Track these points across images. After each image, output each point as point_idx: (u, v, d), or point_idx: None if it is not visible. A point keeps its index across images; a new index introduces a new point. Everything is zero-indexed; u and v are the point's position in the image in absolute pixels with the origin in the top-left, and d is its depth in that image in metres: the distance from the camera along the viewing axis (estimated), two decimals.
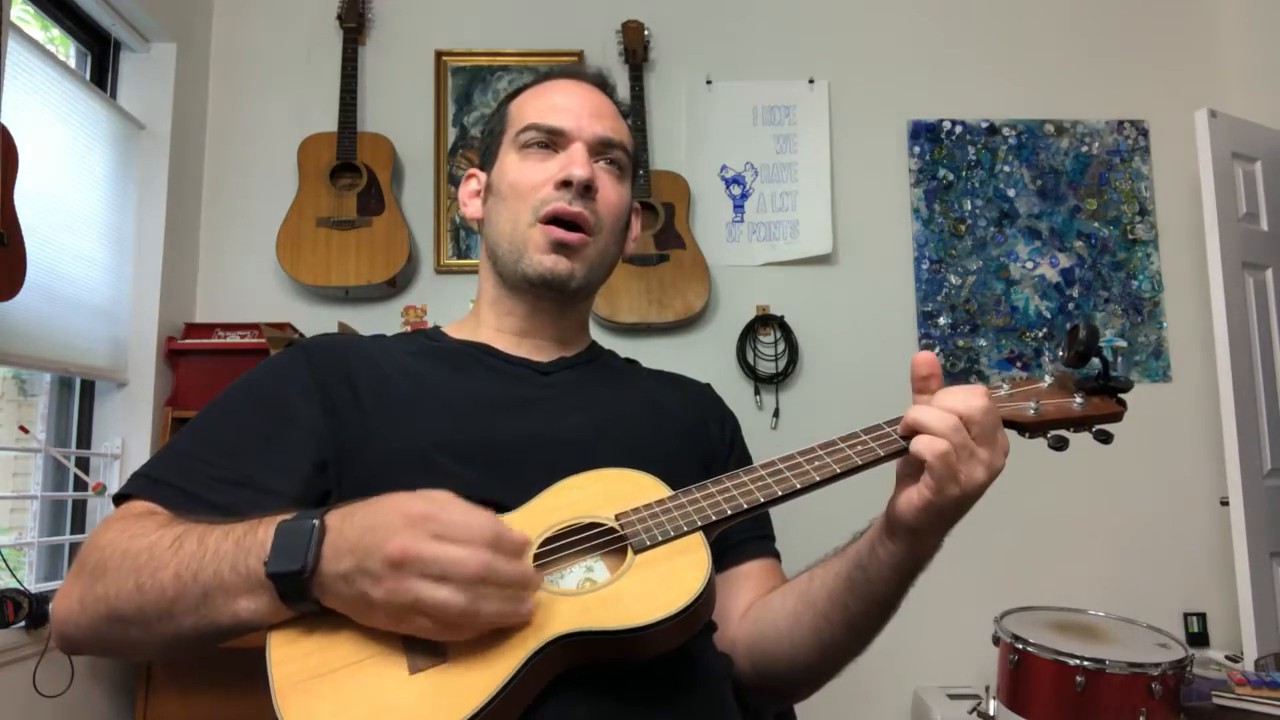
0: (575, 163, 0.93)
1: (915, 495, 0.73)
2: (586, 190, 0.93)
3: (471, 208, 1.03)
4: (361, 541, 0.63)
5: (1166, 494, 2.60)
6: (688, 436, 0.97)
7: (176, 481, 0.80)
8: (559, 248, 0.93)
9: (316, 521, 0.66)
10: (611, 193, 0.97)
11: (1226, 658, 2.25)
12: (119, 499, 0.81)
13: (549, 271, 0.93)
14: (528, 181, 0.94)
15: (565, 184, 0.92)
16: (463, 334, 1.01)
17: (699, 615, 0.69)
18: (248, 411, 0.87)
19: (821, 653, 0.85)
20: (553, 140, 0.95)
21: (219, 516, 0.73)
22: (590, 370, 1.01)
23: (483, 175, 1.02)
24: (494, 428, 0.87)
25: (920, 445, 0.72)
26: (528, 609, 0.65)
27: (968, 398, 0.72)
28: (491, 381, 0.93)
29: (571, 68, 1.06)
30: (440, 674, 0.64)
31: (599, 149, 0.96)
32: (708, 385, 1.10)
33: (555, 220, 0.93)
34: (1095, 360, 0.79)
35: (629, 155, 1.01)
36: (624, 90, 2.60)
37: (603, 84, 1.03)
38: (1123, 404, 0.80)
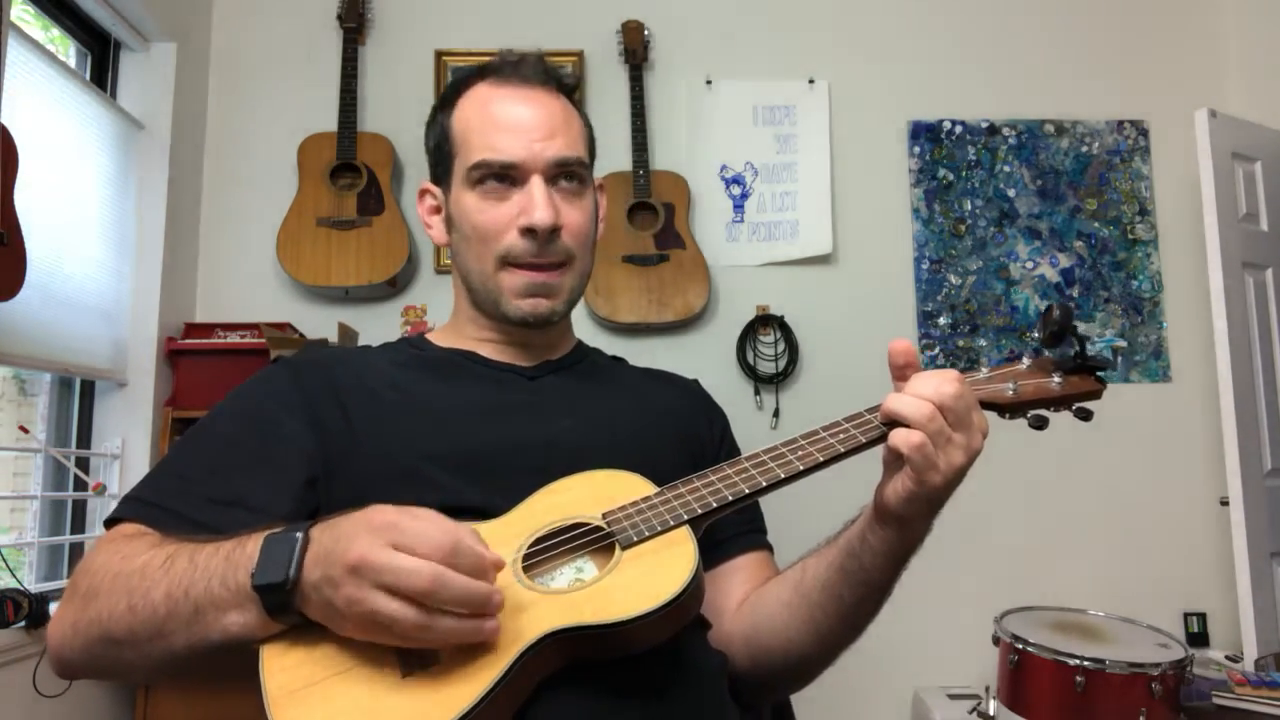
0: (537, 205, 0.89)
1: (900, 486, 0.74)
2: (552, 232, 0.90)
3: (436, 230, 1.00)
4: (332, 550, 0.63)
5: (1166, 494, 2.60)
6: (677, 435, 0.97)
7: (167, 503, 0.80)
8: (535, 291, 0.92)
9: (301, 534, 0.66)
10: (577, 216, 0.93)
11: (1226, 658, 2.25)
12: (110, 522, 0.81)
13: (530, 315, 0.93)
14: (490, 225, 0.91)
15: (529, 230, 0.90)
16: (448, 341, 1.00)
17: (687, 607, 0.70)
18: (235, 431, 0.87)
19: (817, 642, 0.85)
20: (507, 174, 0.91)
21: (209, 536, 0.73)
22: (577, 372, 1.01)
23: (438, 192, 0.99)
24: (482, 436, 0.87)
25: (897, 439, 0.73)
26: (489, 628, 0.63)
27: (940, 384, 0.73)
28: (478, 389, 0.93)
29: (506, 66, 0.95)
30: (432, 676, 0.64)
31: (555, 171, 0.92)
32: (695, 381, 1.10)
33: (525, 263, 0.91)
34: (1074, 340, 0.79)
35: (587, 162, 0.96)
36: (624, 90, 2.60)
37: (544, 77, 0.95)
38: (1102, 381, 0.81)
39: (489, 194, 0.92)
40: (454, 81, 0.99)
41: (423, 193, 1.01)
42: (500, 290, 0.93)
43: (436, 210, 1.00)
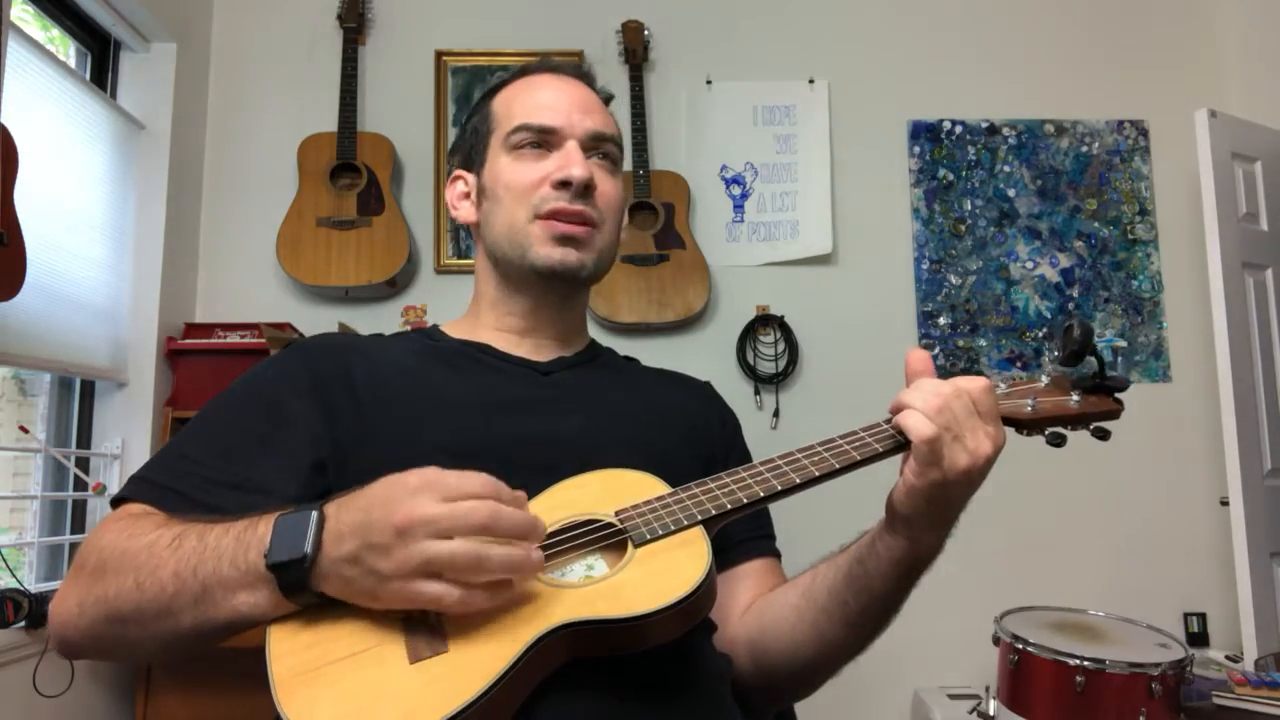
0: (573, 162, 0.92)
1: (901, 482, 0.75)
2: (586, 189, 0.92)
3: (463, 211, 1.01)
4: (365, 520, 0.64)
5: (1166, 494, 2.60)
6: (688, 436, 0.97)
7: (173, 484, 0.80)
8: (565, 240, 0.93)
9: (315, 512, 0.67)
10: (609, 187, 0.96)
11: (1226, 658, 2.25)
12: (116, 502, 0.81)
13: (559, 264, 0.92)
14: (523, 181, 0.93)
15: (564, 184, 0.92)
16: (461, 333, 1.01)
17: (699, 605, 0.70)
18: (245, 413, 0.87)
19: (821, 650, 0.85)
20: (545, 139, 0.94)
21: (216, 517, 0.72)
22: (590, 369, 1.01)
23: (470, 177, 1.01)
24: (494, 428, 0.87)
25: (901, 418, 0.73)
26: (537, 557, 0.65)
27: (942, 384, 0.74)
28: (491, 381, 0.93)
29: (550, 62, 1.02)
30: (441, 663, 0.64)
31: (592, 144, 0.95)
32: (707, 383, 1.10)
33: (556, 216, 0.92)
34: (1093, 360, 0.79)
35: (620, 147, 1.00)
36: (624, 90, 2.60)
37: (583, 76, 1.01)
38: (1119, 402, 0.81)
39: (525, 155, 0.94)
40: (501, 79, 1.03)
41: (455, 179, 1.03)
42: (531, 240, 0.93)
43: (466, 195, 1.02)
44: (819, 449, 0.78)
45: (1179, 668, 1.55)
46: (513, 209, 0.94)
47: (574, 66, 1.02)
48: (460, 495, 0.63)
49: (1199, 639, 2.49)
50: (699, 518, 0.74)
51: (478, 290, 1.03)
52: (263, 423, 0.85)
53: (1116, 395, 0.81)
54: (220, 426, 0.86)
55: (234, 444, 0.84)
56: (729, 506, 0.75)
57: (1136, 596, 2.42)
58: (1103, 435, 0.81)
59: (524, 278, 0.95)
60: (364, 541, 0.63)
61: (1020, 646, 1.62)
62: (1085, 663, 1.54)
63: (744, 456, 1.02)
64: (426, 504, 0.62)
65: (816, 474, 0.76)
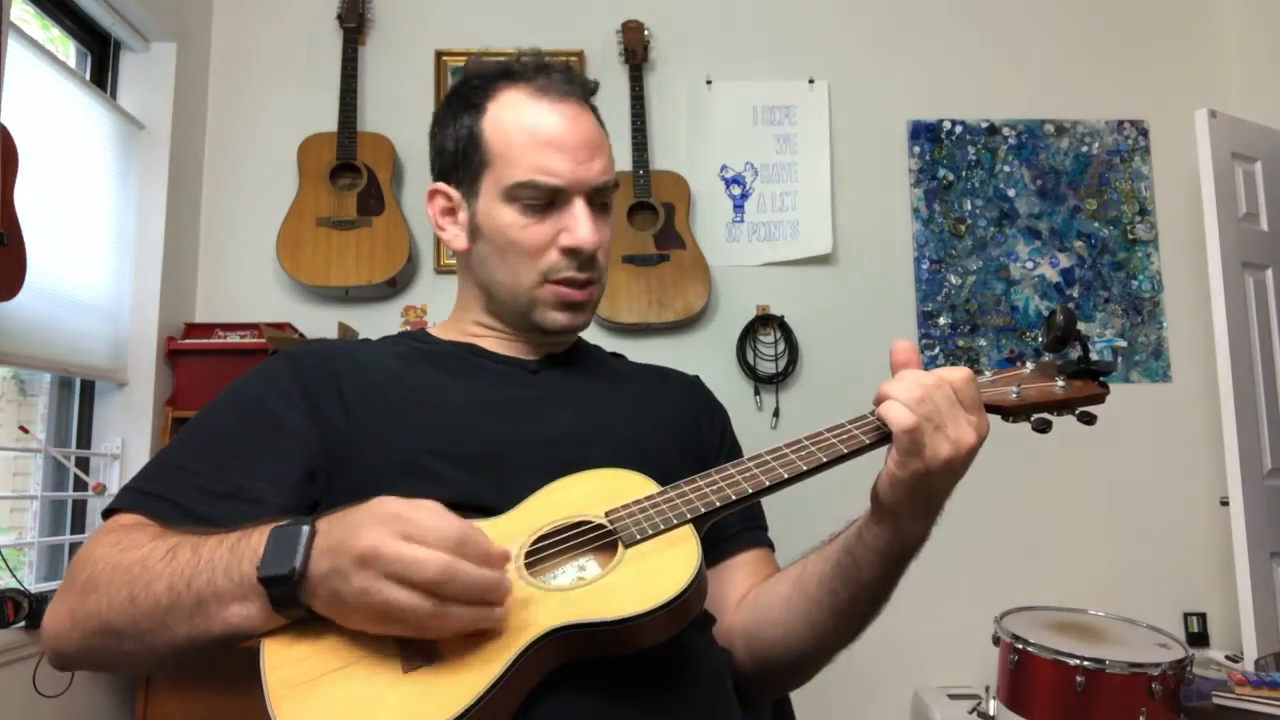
0: (581, 227, 0.90)
1: (884, 472, 0.75)
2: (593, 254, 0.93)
3: (452, 235, 0.97)
4: (341, 542, 0.64)
5: (1166, 494, 2.60)
6: (678, 431, 0.97)
7: (166, 494, 0.80)
8: (571, 306, 0.94)
9: (308, 526, 0.66)
10: (607, 234, 0.96)
11: (1226, 658, 2.25)
12: (108, 513, 0.81)
13: (565, 326, 0.94)
14: (532, 244, 0.91)
15: (571, 250, 0.91)
16: (450, 334, 1.00)
17: (690, 605, 0.70)
18: (236, 422, 0.86)
19: (813, 639, 0.85)
20: (552, 196, 0.91)
21: (210, 528, 0.72)
22: (578, 367, 1.01)
23: (455, 195, 0.96)
24: (484, 431, 0.87)
25: (883, 409, 0.74)
26: (498, 615, 0.64)
27: (924, 374, 0.74)
28: (480, 383, 0.93)
29: (539, 74, 0.93)
30: (433, 672, 0.64)
31: (595, 195, 0.93)
32: (696, 378, 1.10)
33: (566, 283, 0.92)
34: (1078, 345, 0.80)
35: (618, 184, 0.98)
36: (624, 90, 2.61)
37: (579, 90, 0.95)
38: (1105, 386, 0.82)
39: (530, 211, 0.91)
40: (477, 80, 0.95)
41: (433, 193, 0.98)
42: (538, 303, 0.94)
43: (450, 212, 0.97)
44: (806, 442, 0.79)
45: (1179, 668, 1.55)
46: (519, 269, 0.92)
47: (565, 77, 0.94)
48: (422, 539, 0.62)
49: (1199, 639, 2.49)
50: (688, 516, 0.74)
51: (462, 299, 1.02)
52: (254, 432, 0.85)
53: (1101, 379, 0.82)
54: (211, 436, 0.86)
55: (226, 453, 0.83)
56: (717, 504, 0.75)
57: (1136, 596, 2.42)
58: (1088, 419, 0.81)
59: (522, 324, 0.96)
60: (333, 565, 0.63)
61: (1020, 646, 1.62)
62: (1085, 663, 1.54)
63: (734, 449, 1.02)
64: (387, 539, 0.61)
65: (804, 468, 0.77)
